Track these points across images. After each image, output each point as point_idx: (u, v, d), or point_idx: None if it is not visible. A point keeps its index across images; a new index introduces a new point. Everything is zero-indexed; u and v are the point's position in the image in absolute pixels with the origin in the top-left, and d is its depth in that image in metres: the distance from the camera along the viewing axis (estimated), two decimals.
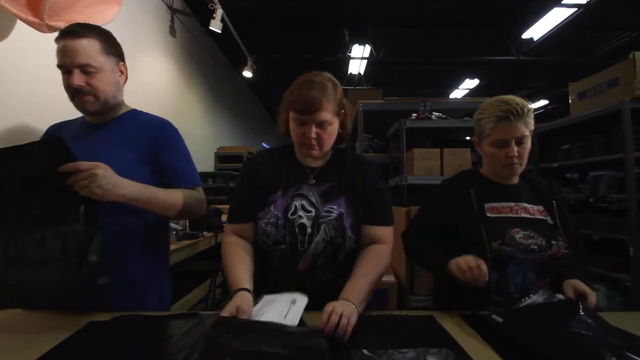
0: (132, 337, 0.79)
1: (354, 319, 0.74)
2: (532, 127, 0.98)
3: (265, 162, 1.02)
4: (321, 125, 0.92)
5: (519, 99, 0.98)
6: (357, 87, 6.72)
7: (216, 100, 6.14)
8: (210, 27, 3.82)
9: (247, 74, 5.48)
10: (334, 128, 0.95)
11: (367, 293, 0.84)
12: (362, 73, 6.46)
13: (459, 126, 2.41)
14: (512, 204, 1.01)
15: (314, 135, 0.91)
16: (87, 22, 1.06)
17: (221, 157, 5.51)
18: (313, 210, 0.93)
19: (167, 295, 1.11)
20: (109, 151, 1.00)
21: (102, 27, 1.07)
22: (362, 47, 5.45)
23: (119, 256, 0.97)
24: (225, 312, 0.73)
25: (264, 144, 10.57)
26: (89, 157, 0.98)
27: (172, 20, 4.40)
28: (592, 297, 0.83)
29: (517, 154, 0.96)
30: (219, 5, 3.85)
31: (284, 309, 0.76)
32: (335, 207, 0.94)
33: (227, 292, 1.34)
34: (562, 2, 4.23)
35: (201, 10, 4.25)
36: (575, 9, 4.24)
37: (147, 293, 1.03)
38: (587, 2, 4.04)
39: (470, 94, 7.63)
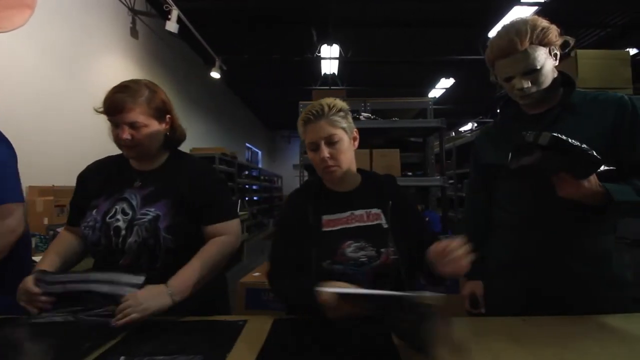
0: None
1: (137, 313, 0.80)
2: (345, 125, 0.92)
3: (96, 169, 1.07)
4: (133, 126, 0.95)
5: (326, 100, 0.92)
6: (331, 87, 6.71)
7: (189, 101, 6.13)
8: (166, 28, 3.81)
9: (215, 74, 5.46)
10: (150, 130, 0.98)
11: (195, 279, 0.92)
12: (336, 73, 6.44)
13: (388, 126, 2.40)
14: (348, 213, 0.95)
15: (126, 136, 0.94)
16: None
17: None
18: (130, 213, 0.96)
19: None
20: None
21: None
22: (330, 47, 5.43)
23: None
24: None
25: (247, 144, 10.57)
26: None
27: (133, 22, 4.40)
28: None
29: (329, 155, 0.89)
30: (174, 7, 3.85)
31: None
32: (152, 209, 0.96)
33: None
34: (522, 1, 4.23)
35: (167, 11, 4.24)
36: (535, 7, 4.23)
37: None
38: (544, 0, 4.04)
39: (446, 93, 7.63)
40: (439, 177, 2.38)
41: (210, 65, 5.61)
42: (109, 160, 1.10)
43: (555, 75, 0.96)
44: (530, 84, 0.93)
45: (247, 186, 7.33)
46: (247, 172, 7.44)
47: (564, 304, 0.91)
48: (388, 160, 2.34)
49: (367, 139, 2.76)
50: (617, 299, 0.92)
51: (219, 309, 1.06)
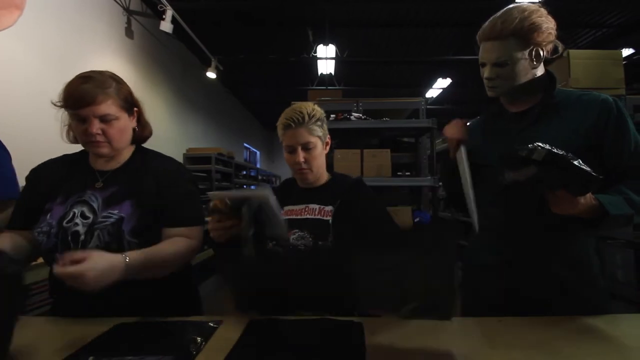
0: None
1: (92, 273, 0.72)
2: (320, 134, 1.02)
3: (51, 168, 0.98)
4: (104, 119, 0.87)
5: (307, 107, 1.00)
6: (328, 87, 6.71)
7: (185, 101, 6.13)
8: (160, 28, 3.82)
9: (211, 75, 5.47)
10: (122, 124, 0.91)
11: (143, 261, 0.83)
12: (332, 73, 6.44)
13: (379, 127, 2.39)
14: (303, 206, 1.03)
15: (97, 130, 0.86)
16: None
17: (190, 159, 5.49)
18: (91, 217, 0.89)
19: None
20: None
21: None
22: (326, 47, 5.43)
23: None
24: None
25: (245, 144, 10.58)
26: None
27: (128, 22, 4.40)
28: None
29: (303, 160, 0.99)
30: (168, 7, 3.85)
31: None
32: (116, 211, 0.89)
33: None
34: (518, 1, 4.22)
35: (162, 11, 4.23)
36: None
37: None
38: (541, 0, 4.03)
39: (443, 93, 7.63)
40: (429, 177, 2.37)
41: (207, 66, 5.62)
42: (64, 159, 1.01)
43: (539, 74, 0.94)
44: (496, 76, 0.92)
45: (245, 186, 7.32)
46: (244, 172, 7.44)
47: (544, 306, 0.90)
48: (379, 160, 2.34)
49: (359, 138, 2.77)
50: (597, 300, 0.92)
51: (192, 309, 1.01)
